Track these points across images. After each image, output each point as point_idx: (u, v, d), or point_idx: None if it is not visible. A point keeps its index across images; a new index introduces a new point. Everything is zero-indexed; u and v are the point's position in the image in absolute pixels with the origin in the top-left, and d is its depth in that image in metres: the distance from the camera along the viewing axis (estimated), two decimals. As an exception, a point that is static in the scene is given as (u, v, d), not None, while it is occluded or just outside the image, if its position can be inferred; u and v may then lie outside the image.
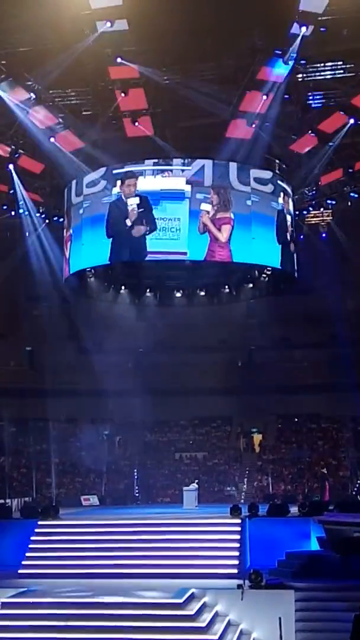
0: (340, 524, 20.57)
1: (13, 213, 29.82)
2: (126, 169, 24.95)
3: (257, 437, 39.74)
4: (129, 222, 24.46)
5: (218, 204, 24.38)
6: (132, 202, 24.47)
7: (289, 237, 26.55)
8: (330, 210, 30.95)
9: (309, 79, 24.11)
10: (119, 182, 24.90)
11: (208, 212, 24.23)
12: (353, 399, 35.18)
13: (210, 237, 24.34)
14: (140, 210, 24.40)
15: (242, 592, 16.73)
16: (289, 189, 26.81)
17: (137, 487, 34.81)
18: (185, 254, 24.62)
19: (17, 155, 26.31)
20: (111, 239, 24.79)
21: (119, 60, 21.49)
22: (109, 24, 19.78)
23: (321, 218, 31.80)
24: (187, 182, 24.51)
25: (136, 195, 24.52)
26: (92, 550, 20.31)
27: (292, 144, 26.16)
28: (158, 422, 40.78)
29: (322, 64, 23.57)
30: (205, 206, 24.23)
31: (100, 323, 35.09)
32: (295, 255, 27.31)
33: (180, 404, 39.33)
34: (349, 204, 29.49)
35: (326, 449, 37.38)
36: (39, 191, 29.19)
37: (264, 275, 27.46)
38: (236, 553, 19.54)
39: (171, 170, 24.76)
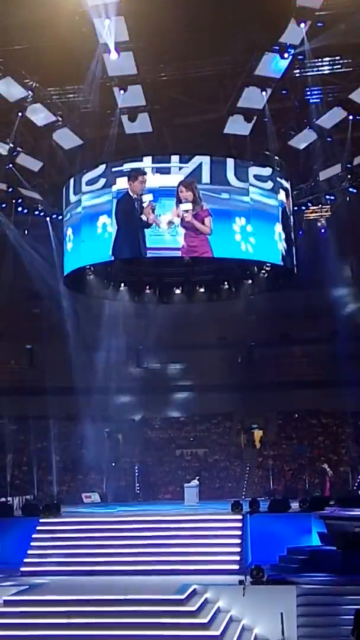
0: (341, 519, 20.63)
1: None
2: (125, 166, 24.91)
3: (258, 433, 39.77)
4: (144, 218, 24.39)
5: (194, 199, 24.26)
6: (147, 199, 24.41)
7: (288, 233, 26.54)
8: (328, 206, 30.93)
9: (307, 74, 24.08)
10: (118, 180, 24.83)
11: (188, 211, 24.12)
12: (353, 394, 35.22)
13: (189, 233, 24.18)
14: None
15: (244, 588, 16.77)
16: (288, 185, 26.78)
17: (138, 484, 34.81)
18: (181, 249, 24.58)
19: (15, 154, 26.30)
20: (113, 236, 24.73)
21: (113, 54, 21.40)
22: (107, 21, 19.74)
23: (320, 213, 31.79)
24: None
25: (144, 193, 24.45)
26: (93, 547, 20.40)
27: (291, 139, 26.14)
28: (158, 418, 40.81)
29: (320, 59, 23.53)
30: (185, 206, 24.05)
31: (100, 320, 35.05)
32: (294, 250, 27.31)
33: (181, 401, 39.39)
34: (348, 199, 29.46)
35: (327, 445, 37.40)
36: (38, 189, 29.15)
37: (264, 271, 27.45)
38: (237, 549, 19.61)
39: (169, 168, 24.72)
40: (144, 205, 24.30)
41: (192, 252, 24.62)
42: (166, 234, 24.18)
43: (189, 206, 24.04)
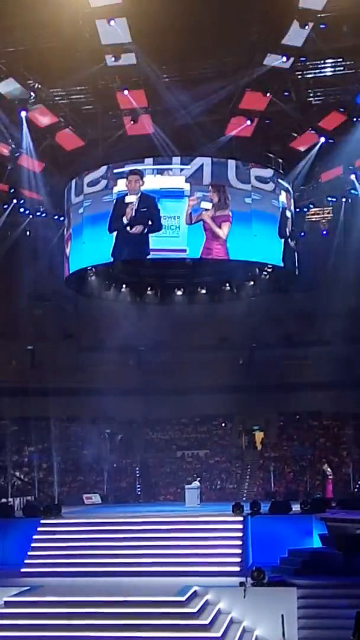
0: (343, 521, 20.60)
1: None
2: (127, 167, 24.94)
3: (259, 435, 39.71)
4: (125, 220, 24.48)
5: (218, 202, 24.37)
6: (130, 200, 24.48)
7: (290, 235, 26.56)
8: (330, 207, 30.93)
9: (309, 75, 24.09)
10: (119, 181, 24.89)
11: (208, 210, 24.20)
12: (354, 396, 35.18)
13: (206, 235, 24.32)
14: (143, 209, 24.37)
15: (245, 590, 16.76)
16: (289, 187, 26.81)
17: (139, 485, 34.81)
18: (185, 251, 24.64)
19: (17, 155, 26.32)
20: (114, 237, 24.78)
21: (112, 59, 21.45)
22: (113, 22, 19.74)
23: (322, 215, 31.78)
24: (186, 181, 24.50)
25: (135, 194, 24.49)
26: (94, 548, 20.34)
27: (293, 141, 26.15)
28: (160, 420, 40.79)
29: (322, 61, 23.55)
30: (205, 204, 24.21)
31: (101, 322, 35.05)
32: (296, 252, 27.33)
33: (182, 402, 39.29)
34: (350, 200, 29.47)
35: (328, 446, 37.36)
36: (39, 190, 29.17)
37: (265, 273, 27.45)
38: (238, 551, 19.56)
39: (170, 169, 24.74)
40: (126, 207, 24.38)
41: (207, 254, 24.66)
42: (169, 235, 24.24)
43: (208, 205, 24.16)
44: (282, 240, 25.92)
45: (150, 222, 24.34)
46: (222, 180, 24.54)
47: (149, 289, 30.35)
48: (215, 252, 24.52)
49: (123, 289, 29.70)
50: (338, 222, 31.29)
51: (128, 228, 24.41)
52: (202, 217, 24.17)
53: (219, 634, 15.06)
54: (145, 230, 24.32)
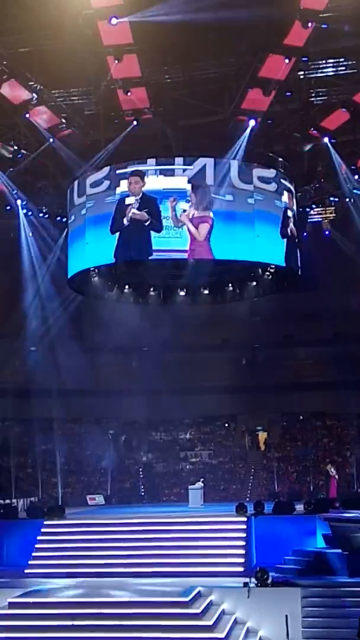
0: (346, 522, 20.57)
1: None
2: (129, 168, 24.94)
3: (262, 435, 39.76)
4: (125, 222, 24.50)
5: (196, 203, 24.36)
6: (129, 202, 24.51)
7: (292, 235, 26.53)
8: (333, 208, 30.89)
9: (311, 75, 24.06)
10: (122, 182, 24.89)
11: (186, 211, 24.22)
12: (357, 396, 35.19)
13: (189, 236, 24.33)
14: (144, 209, 24.39)
15: (249, 590, 16.75)
16: (292, 187, 26.78)
17: (142, 486, 34.84)
18: (187, 251, 24.65)
19: (20, 156, 26.34)
20: (116, 238, 24.79)
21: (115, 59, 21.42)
22: (114, 20, 19.72)
23: (324, 215, 31.75)
24: (189, 181, 24.50)
25: (135, 195, 24.51)
26: (98, 549, 20.39)
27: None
28: (163, 420, 40.84)
29: (324, 61, 23.52)
30: (183, 205, 24.20)
31: (104, 322, 35.09)
32: (298, 252, 27.30)
33: (185, 403, 39.37)
34: (352, 200, 29.42)
35: (331, 447, 37.36)
36: (42, 191, 29.18)
37: (268, 273, 27.42)
38: (242, 551, 19.58)
39: (173, 170, 24.74)
40: (126, 208, 24.39)
41: (193, 255, 24.69)
42: (172, 236, 24.25)
43: (186, 206, 24.15)
44: (285, 240, 25.92)
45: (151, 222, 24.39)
46: (202, 182, 24.47)
47: (151, 289, 30.34)
48: (197, 252, 24.53)
49: (126, 290, 29.68)
50: (340, 222, 31.26)
51: (131, 226, 24.39)
52: (181, 218, 24.18)
53: (222, 635, 15.04)
54: (149, 222, 24.33)
